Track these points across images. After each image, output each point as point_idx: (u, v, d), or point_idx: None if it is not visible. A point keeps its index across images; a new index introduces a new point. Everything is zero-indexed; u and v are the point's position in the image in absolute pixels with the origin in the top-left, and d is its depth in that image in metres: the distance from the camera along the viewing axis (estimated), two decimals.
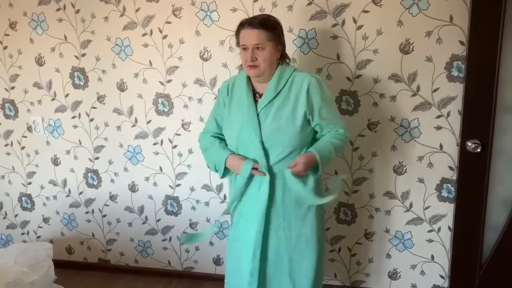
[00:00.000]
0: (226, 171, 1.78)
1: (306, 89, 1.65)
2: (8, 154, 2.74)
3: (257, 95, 1.72)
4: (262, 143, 1.65)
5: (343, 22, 2.07)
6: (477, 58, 1.87)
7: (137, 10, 2.30)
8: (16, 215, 2.85)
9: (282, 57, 1.73)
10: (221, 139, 1.83)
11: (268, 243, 1.73)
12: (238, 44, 1.71)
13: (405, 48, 2.04)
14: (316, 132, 1.74)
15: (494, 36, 1.82)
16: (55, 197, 2.74)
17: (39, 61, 2.52)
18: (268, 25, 1.64)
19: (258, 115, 1.66)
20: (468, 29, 1.88)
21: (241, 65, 1.71)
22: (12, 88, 2.61)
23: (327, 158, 1.67)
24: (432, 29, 1.99)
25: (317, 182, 1.75)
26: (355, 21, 2.06)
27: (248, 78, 1.75)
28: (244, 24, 1.65)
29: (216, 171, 1.80)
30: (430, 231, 2.22)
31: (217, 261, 2.57)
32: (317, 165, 1.64)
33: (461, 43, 1.97)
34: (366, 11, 2.04)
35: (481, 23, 1.83)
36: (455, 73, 2.01)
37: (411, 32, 2.01)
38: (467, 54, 1.90)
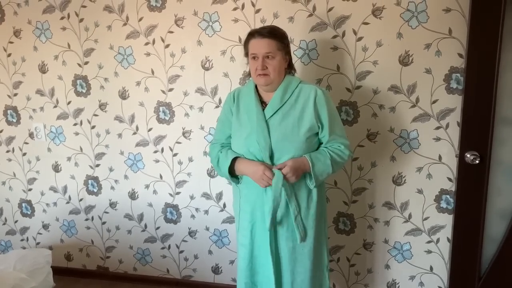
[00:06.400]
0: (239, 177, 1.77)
1: (313, 101, 1.67)
2: (10, 160, 2.75)
3: (263, 104, 1.73)
4: (271, 149, 1.66)
5: (343, 34, 2.09)
6: (475, 70, 1.88)
7: (140, 20, 2.33)
8: (16, 221, 2.86)
9: (289, 68, 1.77)
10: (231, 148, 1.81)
11: (276, 253, 1.75)
12: (246, 54, 1.73)
13: (405, 60, 2.06)
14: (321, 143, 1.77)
15: (493, 49, 1.83)
16: (55, 203, 2.74)
17: (42, 69, 2.55)
18: (277, 34, 1.67)
19: (266, 122, 1.68)
20: (467, 42, 1.90)
21: (246, 76, 1.72)
22: (15, 95, 2.64)
23: (322, 168, 1.65)
24: (431, 42, 2.01)
25: (320, 195, 1.75)
26: (355, 33, 2.08)
27: (255, 88, 1.77)
28: (254, 33, 1.67)
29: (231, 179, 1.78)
30: (429, 242, 2.22)
31: (216, 270, 2.57)
32: (310, 171, 1.63)
33: (460, 55, 1.99)
34: (366, 23, 2.06)
35: (479, 36, 1.85)
36: (454, 85, 2.03)
37: (411, 44, 2.03)
38: (465, 67, 1.92)
